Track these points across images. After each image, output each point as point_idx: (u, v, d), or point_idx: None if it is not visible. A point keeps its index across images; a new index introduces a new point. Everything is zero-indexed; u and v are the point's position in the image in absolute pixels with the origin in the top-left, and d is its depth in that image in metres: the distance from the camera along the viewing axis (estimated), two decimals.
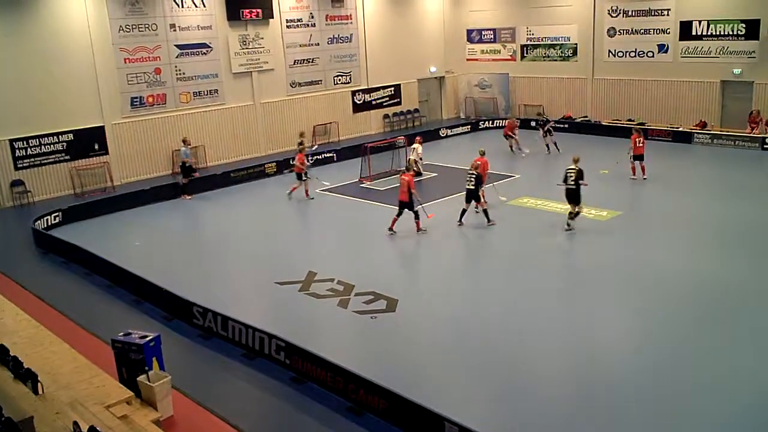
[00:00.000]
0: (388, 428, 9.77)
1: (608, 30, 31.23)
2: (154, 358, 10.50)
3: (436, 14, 35.17)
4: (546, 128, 26.75)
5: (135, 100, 25.45)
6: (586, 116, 32.38)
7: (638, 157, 22.23)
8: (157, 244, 18.31)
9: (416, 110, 34.56)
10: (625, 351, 11.64)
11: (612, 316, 12.94)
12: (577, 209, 17.47)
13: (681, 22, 28.99)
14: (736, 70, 27.81)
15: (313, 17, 30.06)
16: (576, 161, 17.69)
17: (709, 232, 17.23)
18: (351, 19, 31.46)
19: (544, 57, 33.79)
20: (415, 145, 24.62)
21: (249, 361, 11.91)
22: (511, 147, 27.09)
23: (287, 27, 29.36)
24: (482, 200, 18.31)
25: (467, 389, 10.73)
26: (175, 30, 26.07)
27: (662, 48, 29.72)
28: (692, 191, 21.06)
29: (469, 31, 36.21)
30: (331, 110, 31.10)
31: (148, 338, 10.55)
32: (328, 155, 27.61)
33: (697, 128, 28.42)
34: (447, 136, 32.22)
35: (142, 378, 10.25)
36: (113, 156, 24.97)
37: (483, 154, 19.68)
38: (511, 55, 35.03)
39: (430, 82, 35.72)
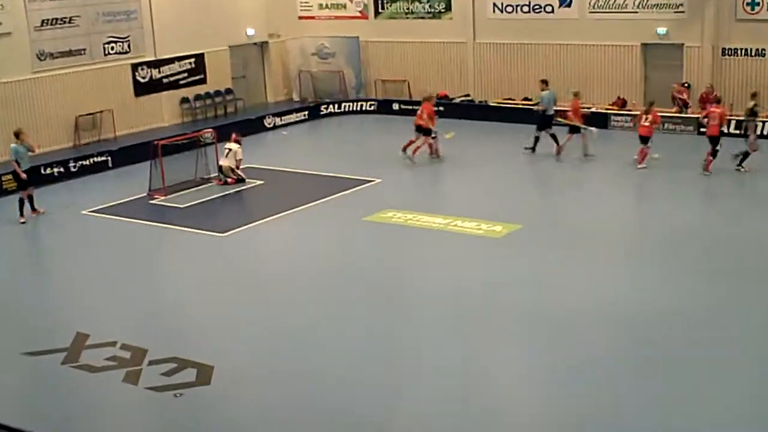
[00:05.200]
0: None
1: None
2: None
3: None
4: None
5: None
6: (467, 95, 33.43)
7: (643, 140, 24.34)
8: None
9: (229, 91, 34.30)
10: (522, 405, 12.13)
11: (510, 362, 13.47)
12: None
13: None
14: (661, 30, 29.80)
15: None
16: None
17: (632, 247, 18.39)
18: None
19: (406, 13, 34.56)
20: (230, 146, 24.50)
21: None
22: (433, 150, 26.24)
23: None
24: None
25: None
26: None
27: (564, 1, 31.30)
28: (615, 197, 22.30)
29: None
30: (101, 93, 30.23)
31: None
32: (98, 159, 26.87)
33: (615, 108, 30.04)
34: (275, 127, 32.22)
35: None
36: None
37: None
38: (360, 11, 35.56)
39: (247, 51, 35.55)
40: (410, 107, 33.11)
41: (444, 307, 15.74)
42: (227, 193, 23.86)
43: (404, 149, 25.69)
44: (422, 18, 34.27)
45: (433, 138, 25.69)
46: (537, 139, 26.13)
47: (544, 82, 26.71)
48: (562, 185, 23.55)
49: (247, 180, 24.46)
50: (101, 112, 30.16)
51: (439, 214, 20.74)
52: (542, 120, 26.05)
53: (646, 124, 24.21)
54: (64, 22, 29.23)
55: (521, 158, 26.12)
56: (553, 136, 25.77)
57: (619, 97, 30.35)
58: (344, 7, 35.90)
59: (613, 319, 14.88)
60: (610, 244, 18.74)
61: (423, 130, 25.60)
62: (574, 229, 19.78)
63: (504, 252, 18.40)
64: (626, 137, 26.98)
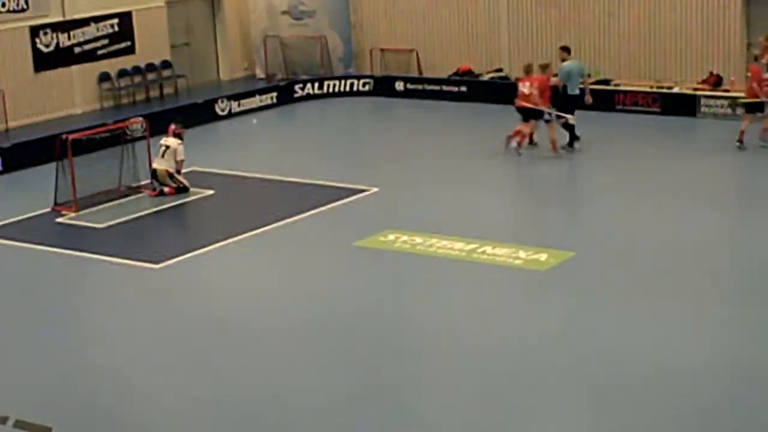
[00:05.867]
0: None
1: None
2: None
3: None
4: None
5: None
6: (499, 70, 33.60)
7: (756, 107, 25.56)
8: None
9: (166, 64, 34.51)
10: None
11: None
12: None
13: None
14: None
15: None
16: None
17: (726, 282, 18.26)
18: None
19: None
20: (168, 141, 24.52)
21: None
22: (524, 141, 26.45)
23: None
24: None
25: None
26: None
27: None
28: (698, 207, 22.30)
29: None
30: None
31: None
32: None
33: (706, 87, 29.97)
34: (231, 115, 32.35)
35: None
36: None
37: None
38: None
39: (192, 8, 35.82)
40: (419, 86, 33.36)
41: (468, 371, 15.57)
42: (163, 207, 23.88)
43: (508, 141, 26.15)
44: None
45: (546, 121, 25.93)
46: (569, 128, 26.10)
47: (565, 49, 27.06)
48: (634, 193, 23.34)
49: (190, 189, 24.44)
50: None
51: (459, 236, 20.66)
52: (564, 101, 26.13)
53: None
54: None
55: (573, 156, 26.22)
56: (569, 128, 26.05)
57: (711, 73, 30.31)
58: None
59: (703, 391, 14.67)
60: (705, 280, 18.43)
61: (532, 113, 25.78)
62: (651, 257, 19.59)
63: (551, 291, 18.28)
64: (724, 128, 26.99)
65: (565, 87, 26.15)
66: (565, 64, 26.52)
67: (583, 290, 18.25)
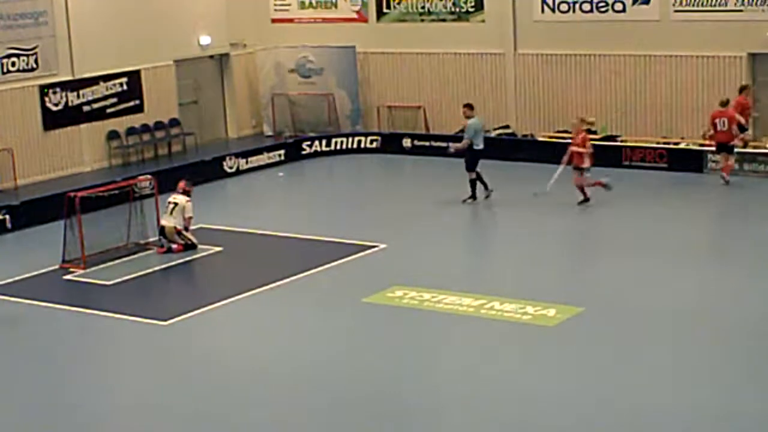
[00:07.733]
0: None
1: None
2: None
3: None
4: None
5: None
6: (506, 126, 33.58)
7: (725, 148, 26.95)
8: None
9: (174, 122, 34.55)
10: None
11: None
12: None
13: None
14: None
15: None
16: None
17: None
18: None
19: (420, 13, 34.77)
20: (176, 198, 24.47)
21: None
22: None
23: None
24: None
25: None
26: None
27: None
28: (706, 263, 22.26)
29: None
30: None
31: None
32: None
33: (712, 143, 29.91)
34: (239, 172, 32.32)
35: None
36: None
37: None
38: (358, 12, 35.80)
39: (201, 67, 35.87)
40: (426, 143, 33.24)
41: (476, 428, 15.32)
42: (171, 264, 23.89)
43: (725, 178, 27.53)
44: (443, 21, 34.52)
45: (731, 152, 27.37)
46: (474, 182, 27.06)
47: (469, 106, 27.47)
48: (644, 249, 23.25)
49: (199, 246, 24.45)
50: None
51: (467, 292, 20.59)
52: (471, 156, 26.87)
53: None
54: None
55: (582, 212, 26.11)
56: (475, 182, 26.81)
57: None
58: (335, 5, 36.15)
59: None
60: (715, 337, 18.15)
61: (729, 147, 27.38)
62: (661, 313, 19.38)
63: (560, 347, 18.13)
64: (729, 184, 26.92)
65: (471, 144, 26.72)
66: (471, 121, 27.09)
67: (591, 346, 18.04)
